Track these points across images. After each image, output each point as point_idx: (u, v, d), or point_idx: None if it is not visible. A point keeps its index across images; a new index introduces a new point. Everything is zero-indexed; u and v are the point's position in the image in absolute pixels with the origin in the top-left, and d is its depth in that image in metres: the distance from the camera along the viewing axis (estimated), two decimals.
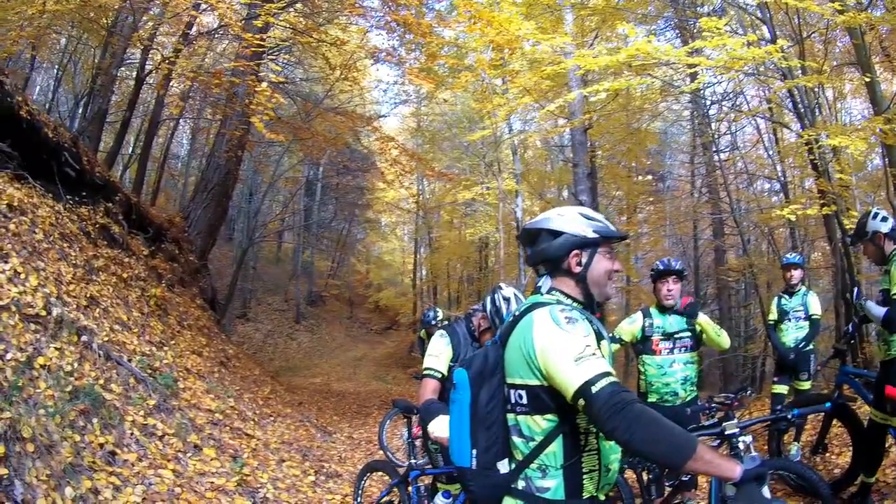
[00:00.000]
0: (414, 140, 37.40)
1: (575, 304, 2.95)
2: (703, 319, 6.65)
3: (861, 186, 20.02)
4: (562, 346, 2.65)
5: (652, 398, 6.59)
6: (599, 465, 2.79)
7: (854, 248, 12.82)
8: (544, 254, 3.10)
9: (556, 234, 3.06)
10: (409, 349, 35.04)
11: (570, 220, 3.08)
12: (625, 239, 2.89)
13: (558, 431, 2.74)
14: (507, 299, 5.43)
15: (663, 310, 6.67)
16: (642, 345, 6.68)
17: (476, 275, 41.17)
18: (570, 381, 2.56)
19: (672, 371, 6.52)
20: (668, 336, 6.60)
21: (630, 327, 6.78)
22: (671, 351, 6.57)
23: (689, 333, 6.61)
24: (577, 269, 3.01)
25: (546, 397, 2.71)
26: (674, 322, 6.63)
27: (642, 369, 6.69)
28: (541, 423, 2.75)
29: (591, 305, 3.00)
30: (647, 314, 6.76)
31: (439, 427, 4.88)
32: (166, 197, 32.07)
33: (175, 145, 33.44)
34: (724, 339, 6.74)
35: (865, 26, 12.58)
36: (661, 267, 6.60)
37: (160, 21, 16.71)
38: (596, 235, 2.99)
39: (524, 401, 2.78)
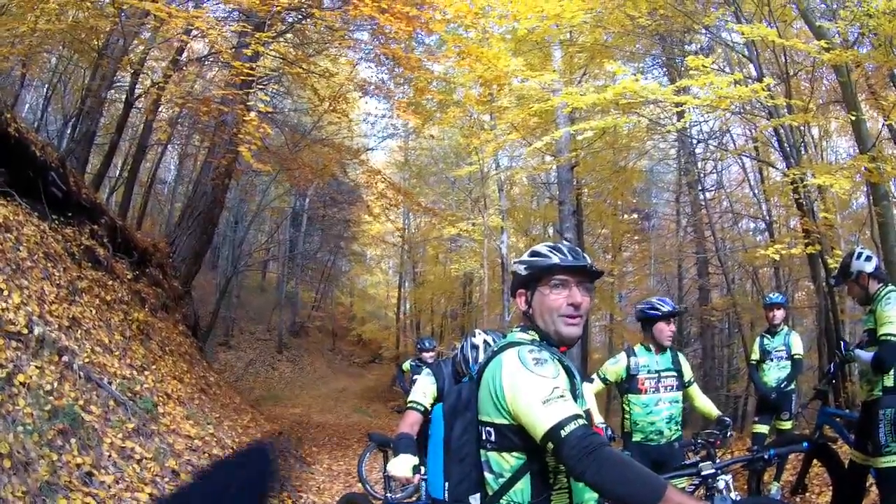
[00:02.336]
0: (401, 174, 37.54)
1: (544, 344, 2.92)
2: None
3: (845, 226, 20.18)
4: (530, 388, 2.65)
5: (637, 437, 6.57)
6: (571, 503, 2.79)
7: (838, 288, 12.88)
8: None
9: (514, 274, 3.12)
10: (391, 383, 34.92)
11: (518, 259, 3.11)
12: (569, 270, 2.61)
13: (526, 469, 2.73)
14: (475, 347, 5.41)
15: (649, 348, 6.68)
16: (627, 384, 6.65)
17: (460, 310, 41.14)
18: (538, 424, 2.57)
19: (657, 410, 6.51)
20: (654, 375, 6.60)
21: (615, 367, 6.77)
22: (656, 390, 6.56)
23: (674, 373, 6.63)
24: (524, 308, 3.05)
25: (513, 436, 2.71)
26: (660, 361, 6.64)
27: (627, 408, 6.65)
28: (509, 461, 2.75)
29: (555, 344, 2.96)
30: (631, 353, 6.76)
31: (397, 466, 4.92)
32: (152, 221, 31.99)
33: (162, 170, 33.41)
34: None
35: (852, 64, 12.71)
36: (668, 308, 6.60)
37: (151, 46, 16.76)
38: (528, 272, 3.00)
39: (493, 438, 2.78)
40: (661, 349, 6.66)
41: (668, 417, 6.52)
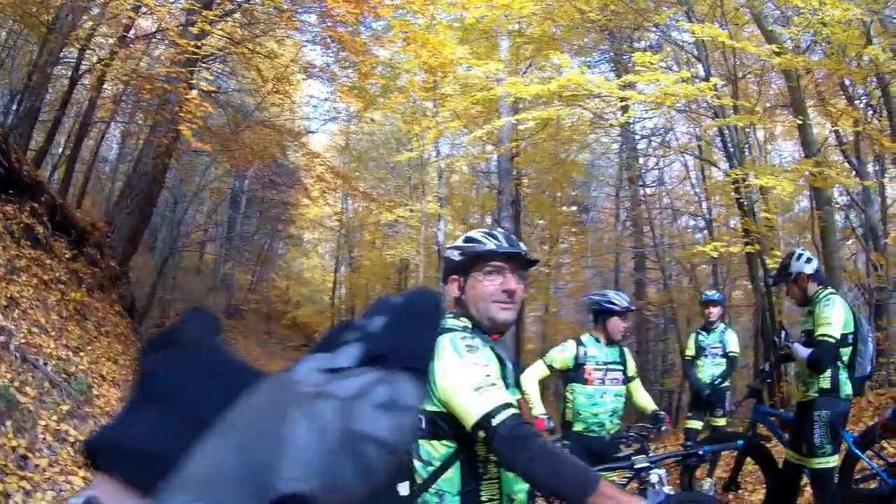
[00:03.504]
0: (341, 158, 37.27)
1: (476, 332, 2.93)
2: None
3: (787, 228, 20.48)
4: (461, 375, 2.65)
5: (577, 427, 6.60)
6: (501, 493, 2.78)
7: (777, 288, 13.07)
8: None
9: (446, 260, 3.14)
10: None
11: (451, 245, 3.15)
12: (504, 256, 2.59)
13: (456, 458, 2.73)
14: None
15: (599, 340, 6.71)
16: (574, 373, 6.67)
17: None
18: (469, 412, 2.57)
19: (602, 402, 6.54)
20: (601, 367, 6.63)
21: (562, 355, 6.78)
22: (602, 382, 6.59)
23: (621, 367, 6.68)
24: (457, 294, 3.06)
25: (443, 424, 2.70)
26: (608, 353, 6.68)
27: (570, 397, 6.66)
28: (439, 449, 2.74)
29: (488, 331, 2.97)
30: (580, 342, 6.78)
31: None
32: (92, 200, 31.38)
33: (105, 148, 32.81)
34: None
35: (802, 70, 12.88)
36: (626, 305, 6.63)
37: (99, 22, 16.48)
38: (461, 258, 3.01)
39: (423, 425, 2.76)
40: (610, 342, 6.71)
41: (611, 410, 6.57)
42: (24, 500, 6.03)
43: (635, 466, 5.33)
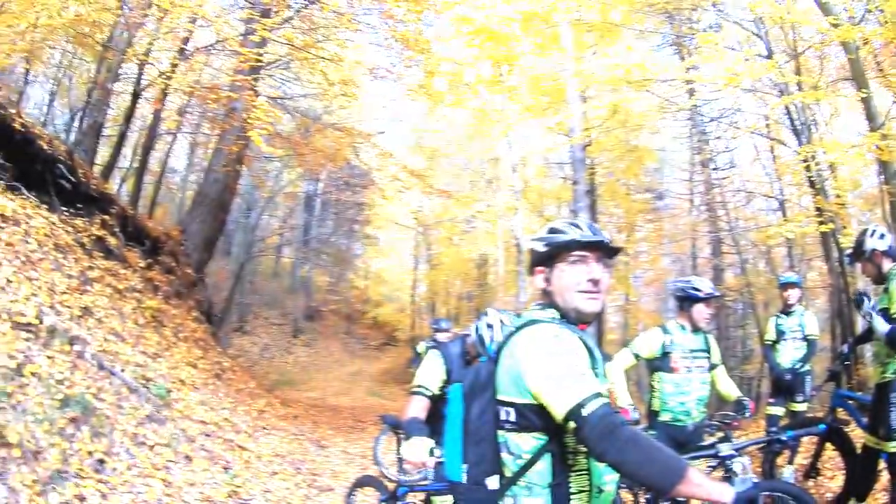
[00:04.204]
0: (414, 157, 37.36)
1: (564, 322, 2.89)
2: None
3: (857, 205, 20.01)
4: (550, 366, 2.62)
5: (664, 417, 6.50)
6: (590, 486, 2.76)
7: (851, 266, 12.80)
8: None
9: (531, 252, 3.08)
10: (406, 365, 34.69)
11: (536, 236, 3.07)
12: (588, 245, 2.54)
13: (546, 450, 2.71)
14: (490, 326, 5.38)
15: (685, 328, 6.63)
16: (660, 361, 6.59)
17: (475, 291, 41.02)
18: (559, 403, 2.53)
19: (688, 390, 6.43)
20: (688, 354, 6.56)
21: (649, 343, 6.68)
22: (689, 370, 6.51)
23: (706, 354, 6.58)
24: (543, 286, 3.01)
25: (533, 416, 2.68)
26: (694, 341, 6.60)
27: (657, 386, 6.58)
28: (529, 441, 2.72)
29: (574, 321, 2.93)
30: (665, 330, 6.69)
31: (411, 450, 4.88)
32: (164, 210, 32.01)
33: (173, 159, 33.39)
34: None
35: (860, 41, 12.59)
36: (710, 290, 6.53)
37: (156, 37, 16.72)
38: (546, 249, 2.96)
39: (512, 418, 2.74)
40: (694, 329, 6.62)
41: (697, 398, 6.46)
42: (100, 502, 6.15)
43: (720, 454, 5.28)
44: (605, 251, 2.95)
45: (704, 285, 6.57)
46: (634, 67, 12.98)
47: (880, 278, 6.22)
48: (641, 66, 12.94)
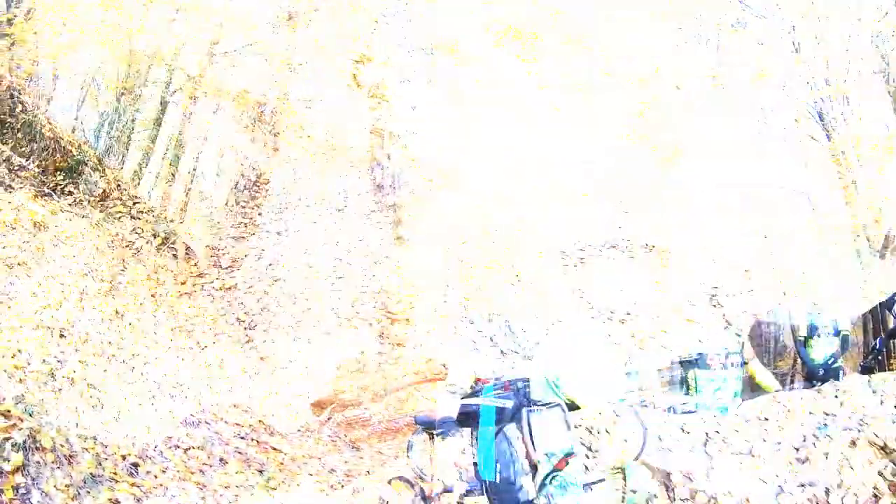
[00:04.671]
0: (446, 157, 37.34)
1: None
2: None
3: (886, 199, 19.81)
4: None
5: None
6: (624, 486, 2.75)
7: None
8: None
9: None
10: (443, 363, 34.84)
11: None
12: None
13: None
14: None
15: None
16: None
17: None
18: None
19: None
20: None
21: None
22: None
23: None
24: None
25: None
26: None
27: None
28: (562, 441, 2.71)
29: None
30: None
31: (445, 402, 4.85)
32: (195, 215, 32.25)
33: (204, 163, 33.61)
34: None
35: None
36: None
37: (184, 42, 16.76)
38: None
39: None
40: None
41: None
42: None
43: None
44: None
45: None
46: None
47: None
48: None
